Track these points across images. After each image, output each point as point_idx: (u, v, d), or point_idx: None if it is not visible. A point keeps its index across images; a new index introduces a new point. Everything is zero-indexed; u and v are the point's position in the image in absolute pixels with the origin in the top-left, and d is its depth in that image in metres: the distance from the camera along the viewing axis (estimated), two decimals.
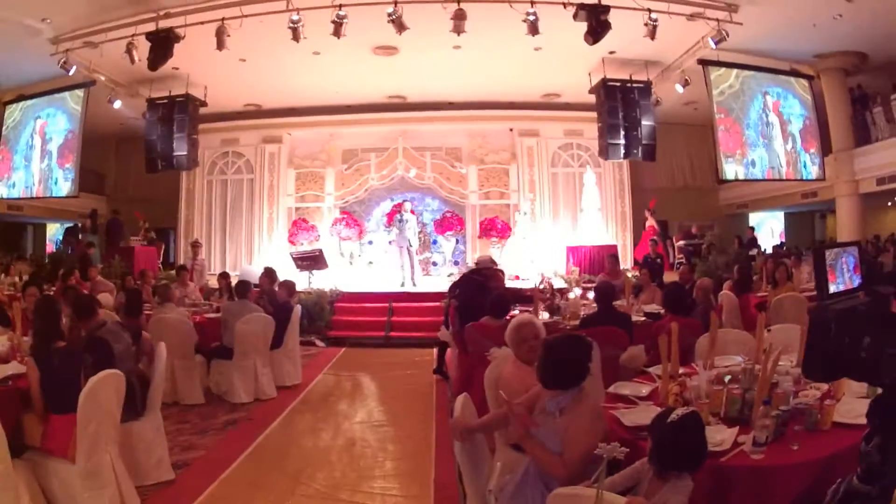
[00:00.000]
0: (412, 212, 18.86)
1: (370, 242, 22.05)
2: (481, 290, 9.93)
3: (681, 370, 5.38)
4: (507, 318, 7.91)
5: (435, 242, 21.86)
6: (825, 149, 18.51)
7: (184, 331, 9.21)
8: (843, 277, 2.65)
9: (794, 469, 3.59)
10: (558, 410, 3.95)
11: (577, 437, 3.79)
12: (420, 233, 20.41)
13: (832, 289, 2.57)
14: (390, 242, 19.49)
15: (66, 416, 5.05)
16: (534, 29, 13.30)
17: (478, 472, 4.22)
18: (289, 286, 11.31)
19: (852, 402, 4.30)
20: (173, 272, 15.22)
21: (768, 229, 28.75)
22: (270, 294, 11.26)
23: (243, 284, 10.63)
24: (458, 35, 13.51)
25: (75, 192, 18.56)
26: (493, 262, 12.02)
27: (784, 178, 18.64)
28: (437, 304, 13.14)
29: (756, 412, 4.04)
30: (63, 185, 18.60)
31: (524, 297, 11.18)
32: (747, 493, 3.54)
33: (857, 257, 2.77)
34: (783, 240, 27.76)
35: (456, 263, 21.07)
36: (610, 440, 3.71)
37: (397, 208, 19.89)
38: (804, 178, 18.72)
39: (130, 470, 5.70)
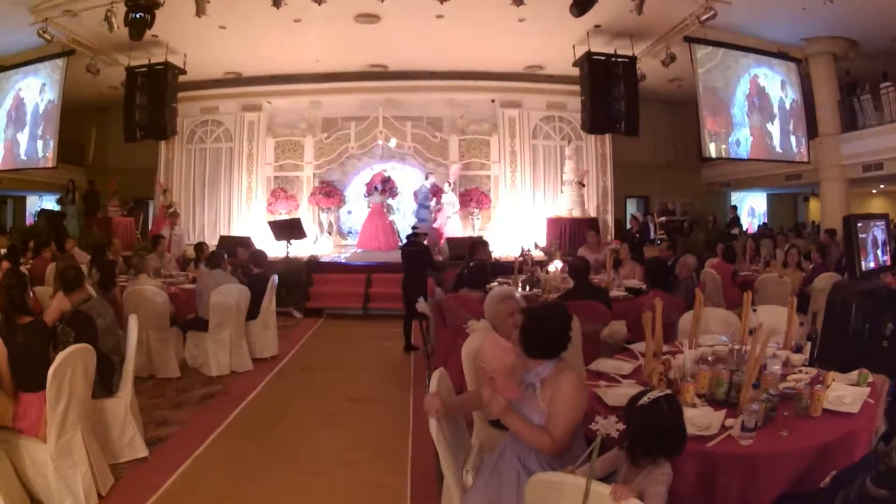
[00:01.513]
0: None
1: (349, 212, 21.89)
2: (421, 257, 10.92)
3: (664, 348, 5.30)
4: (486, 289, 7.89)
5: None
6: (811, 132, 18.53)
7: (158, 302, 9.02)
8: (874, 254, 2.51)
9: (785, 457, 3.50)
10: (539, 381, 3.81)
11: (562, 407, 3.65)
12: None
13: (863, 266, 2.41)
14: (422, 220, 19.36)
15: (36, 394, 4.94)
16: None
17: (454, 450, 4.08)
18: (256, 256, 11.16)
19: (842, 389, 4.23)
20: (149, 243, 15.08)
21: (749, 209, 28.79)
22: (244, 265, 11.14)
23: (216, 254, 10.50)
24: (442, 4, 13.40)
25: (54, 164, 18.32)
26: (427, 229, 12.18)
27: (768, 158, 18.63)
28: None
29: (745, 395, 3.96)
30: (42, 157, 18.36)
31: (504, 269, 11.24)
32: (736, 481, 3.46)
33: (885, 232, 2.63)
34: (765, 220, 27.82)
35: None
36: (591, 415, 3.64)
37: (380, 178, 20.01)
38: (789, 160, 18.71)
39: (103, 448, 5.62)
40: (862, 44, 17.27)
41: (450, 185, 20.24)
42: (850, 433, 3.70)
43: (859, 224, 2.44)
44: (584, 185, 20.46)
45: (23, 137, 18.53)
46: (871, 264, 2.41)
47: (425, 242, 11.81)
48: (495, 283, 9.15)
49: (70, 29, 15.45)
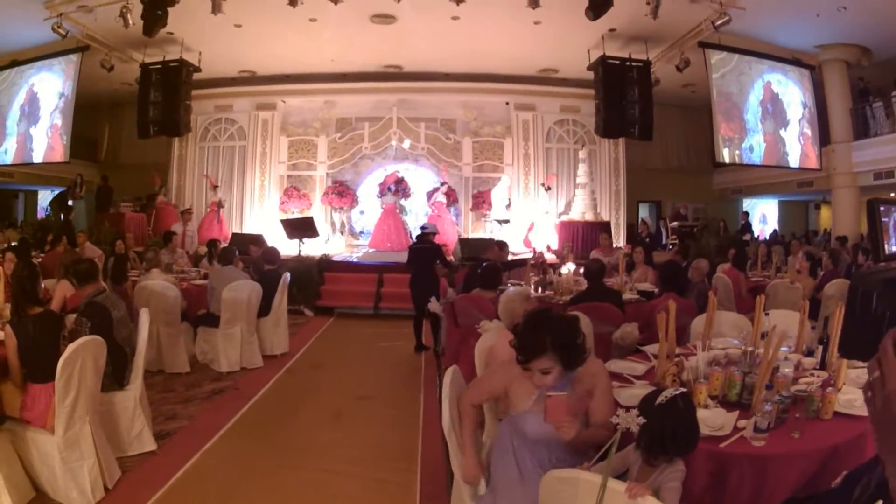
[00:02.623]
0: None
1: (362, 212, 21.89)
2: (434, 255, 11.02)
3: (676, 350, 5.29)
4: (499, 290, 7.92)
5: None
6: (823, 139, 18.46)
7: (170, 297, 9.02)
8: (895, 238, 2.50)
9: (797, 458, 3.49)
10: (569, 385, 3.77)
11: (605, 396, 3.78)
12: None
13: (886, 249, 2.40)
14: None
15: (45, 385, 4.95)
16: (534, 1, 13.17)
17: None
18: (268, 253, 11.16)
19: (853, 392, 4.22)
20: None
21: (761, 216, 28.69)
22: (257, 262, 11.15)
23: (228, 251, 10.51)
24: (458, 5, 13.41)
25: (66, 159, 18.36)
26: (436, 229, 12.23)
27: (780, 164, 18.60)
28: None
29: (757, 397, 3.95)
30: (55, 152, 18.40)
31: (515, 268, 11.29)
32: (747, 481, 3.44)
33: None
34: (777, 227, 27.73)
35: None
36: None
37: (393, 178, 20.07)
38: (801, 166, 18.68)
39: (111, 440, 5.63)
40: (875, 51, 17.23)
41: (445, 185, 20.25)
42: (861, 435, 3.67)
43: (882, 208, 2.43)
44: (549, 189, 20.43)
45: (35, 132, 18.60)
46: (894, 248, 2.40)
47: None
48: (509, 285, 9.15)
49: (85, 24, 15.52)
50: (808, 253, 12.60)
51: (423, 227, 12.01)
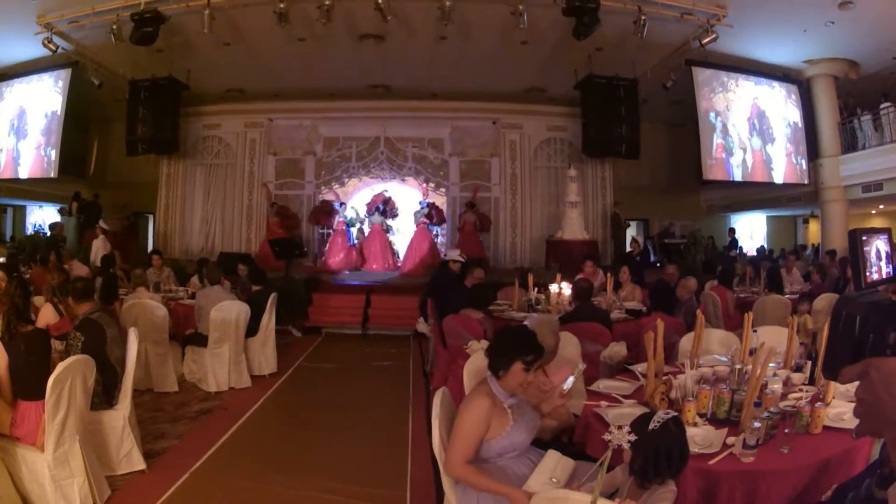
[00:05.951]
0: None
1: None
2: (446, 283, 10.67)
3: (665, 368, 5.31)
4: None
5: None
6: (811, 153, 18.52)
7: (158, 316, 9.00)
8: (877, 266, 2.53)
9: (786, 474, 3.51)
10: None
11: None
12: None
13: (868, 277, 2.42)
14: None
15: (35, 403, 4.95)
16: (520, 21, 13.26)
17: None
18: (254, 274, 11.17)
19: (842, 406, 4.25)
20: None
21: (749, 232, 28.72)
22: (244, 282, 11.15)
23: (215, 271, 10.50)
24: (445, 26, 13.45)
25: (55, 175, 18.29)
26: (461, 257, 12.14)
27: (768, 181, 18.65)
28: (416, 296, 13.06)
29: (746, 413, 3.97)
30: (44, 167, 18.32)
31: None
32: (738, 498, 3.46)
33: (888, 244, 2.64)
34: (764, 243, 27.79)
35: None
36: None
37: (380, 198, 20.04)
38: (788, 181, 18.73)
39: (101, 459, 5.61)
40: (862, 64, 17.33)
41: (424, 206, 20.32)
42: (850, 449, 3.71)
43: (864, 237, 2.47)
44: (474, 206, 20.41)
45: (24, 147, 18.50)
46: (875, 276, 2.43)
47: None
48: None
49: (75, 40, 15.53)
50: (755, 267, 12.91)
51: (445, 255, 12.08)
